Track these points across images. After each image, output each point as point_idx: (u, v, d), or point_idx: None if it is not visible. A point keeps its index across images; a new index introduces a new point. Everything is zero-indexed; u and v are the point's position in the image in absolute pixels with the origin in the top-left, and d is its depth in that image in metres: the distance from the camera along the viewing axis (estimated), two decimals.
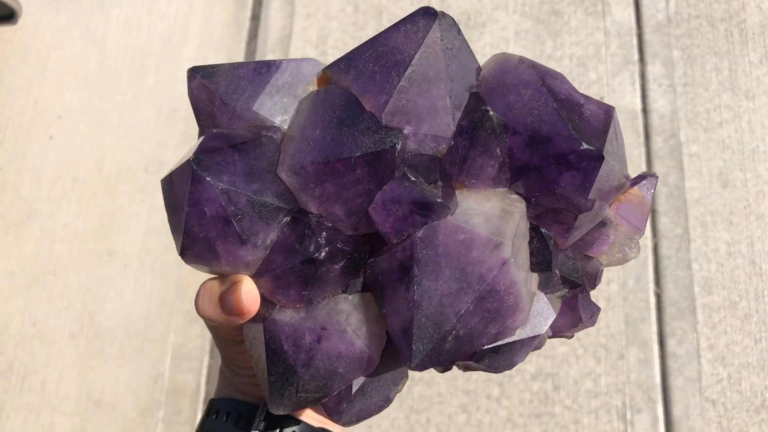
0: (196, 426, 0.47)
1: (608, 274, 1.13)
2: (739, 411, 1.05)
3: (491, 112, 0.35)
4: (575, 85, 1.25)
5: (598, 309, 0.42)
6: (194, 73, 0.38)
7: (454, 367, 0.41)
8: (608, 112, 0.36)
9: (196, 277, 1.22)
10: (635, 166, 1.19)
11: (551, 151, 0.34)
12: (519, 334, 0.38)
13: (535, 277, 0.38)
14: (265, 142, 0.37)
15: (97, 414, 1.18)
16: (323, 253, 0.36)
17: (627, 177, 0.38)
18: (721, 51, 1.25)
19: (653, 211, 1.16)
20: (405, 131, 0.35)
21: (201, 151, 0.35)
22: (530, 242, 0.37)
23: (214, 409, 0.46)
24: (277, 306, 0.38)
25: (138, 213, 1.29)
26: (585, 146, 0.34)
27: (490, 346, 0.37)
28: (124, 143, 1.34)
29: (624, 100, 1.24)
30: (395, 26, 0.36)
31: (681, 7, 1.29)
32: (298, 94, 0.38)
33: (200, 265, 0.38)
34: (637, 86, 1.25)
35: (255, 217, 0.35)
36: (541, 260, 0.38)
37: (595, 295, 1.11)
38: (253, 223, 0.36)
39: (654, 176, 0.41)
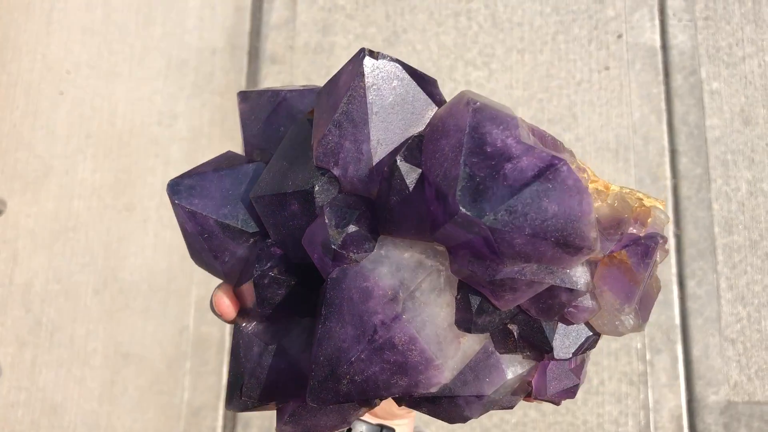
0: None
1: None
2: (759, 350, 1.06)
3: (399, 162, 0.34)
4: (592, 23, 1.22)
5: (577, 383, 0.39)
6: (239, 97, 0.43)
7: None
8: (543, 169, 0.31)
9: None
10: (655, 105, 1.17)
11: (448, 209, 0.32)
12: (461, 391, 0.37)
13: (475, 336, 0.37)
14: (250, 169, 0.40)
15: (126, 366, 1.21)
16: (266, 280, 0.39)
17: (589, 243, 0.32)
18: None
19: (673, 152, 1.14)
20: (335, 173, 0.36)
21: (182, 176, 0.41)
22: (457, 298, 0.36)
23: None
24: (251, 315, 0.42)
25: (153, 167, 1.29)
26: (463, 211, 0.31)
27: (404, 394, 0.37)
28: (135, 96, 1.33)
29: (643, 36, 1.20)
30: (347, 63, 0.36)
31: None
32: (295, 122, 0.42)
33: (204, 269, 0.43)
34: (657, 22, 1.21)
35: (222, 236, 0.40)
36: (462, 319, 0.36)
37: None
38: (221, 241, 0.40)
39: (656, 239, 0.35)
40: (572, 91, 1.19)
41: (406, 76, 0.36)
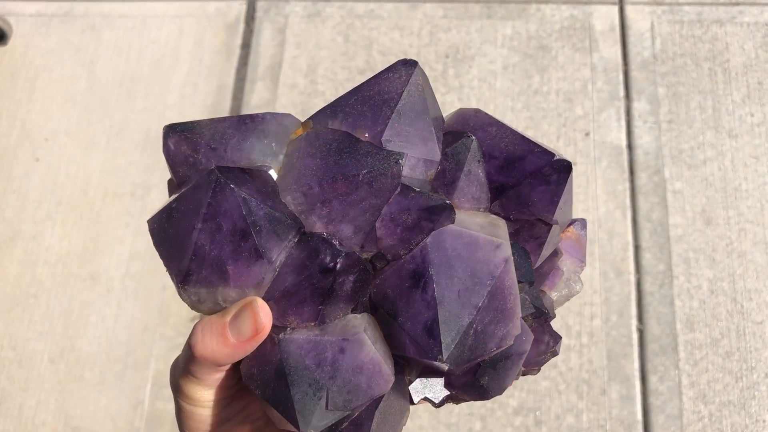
0: None
1: (591, 309, 1.13)
2: None
3: (472, 137, 0.40)
4: (561, 120, 1.26)
5: (560, 337, 0.45)
6: (172, 129, 0.39)
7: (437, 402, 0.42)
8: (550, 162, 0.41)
9: (179, 303, 1.22)
10: (620, 201, 1.20)
11: (526, 168, 0.39)
12: (510, 349, 0.40)
13: None
14: (264, 173, 0.38)
15: None
16: (339, 263, 0.36)
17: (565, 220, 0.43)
18: (705, 89, 1.27)
19: (636, 247, 1.17)
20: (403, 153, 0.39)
21: (217, 168, 0.36)
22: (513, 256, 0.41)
23: None
24: (288, 328, 0.37)
25: (123, 237, 1.28)
26: (558, 156, 0.39)
27: (495, 352, 0.38)
28: (110, 167, 1.34)
29: (609, 135, 1.25)
30: (377, 76, 0.40)
31: (666, 45, 1.31)
32: (284, 141, 0.39)
33: (201, 294, 0.37)
34: (623, 122, 1.26)
35: (271, 231, 0.36)
36: (524, 272, 0.41)
37: (578, 330, 1.12)
38: (269, 238, 0.36)
39: (582, 219, 0.47)
40: None
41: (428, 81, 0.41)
